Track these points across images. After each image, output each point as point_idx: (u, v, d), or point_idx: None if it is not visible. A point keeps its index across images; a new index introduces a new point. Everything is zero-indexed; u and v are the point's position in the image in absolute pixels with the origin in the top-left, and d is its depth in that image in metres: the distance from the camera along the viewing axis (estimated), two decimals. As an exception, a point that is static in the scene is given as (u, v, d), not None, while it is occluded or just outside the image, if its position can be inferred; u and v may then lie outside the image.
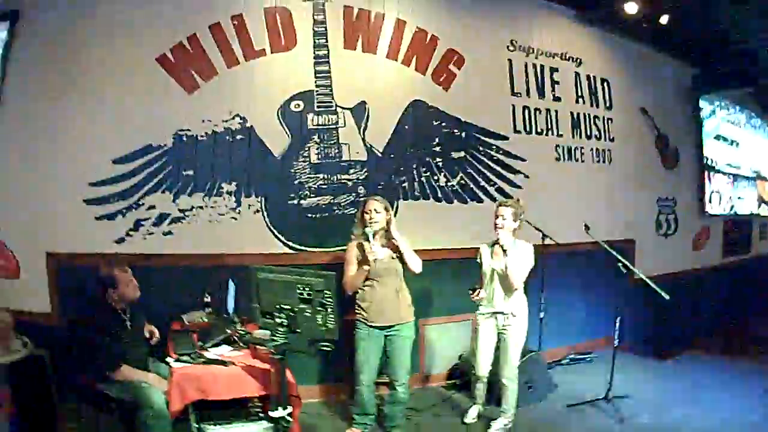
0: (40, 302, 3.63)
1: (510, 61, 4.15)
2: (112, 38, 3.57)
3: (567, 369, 4.32)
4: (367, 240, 2.89)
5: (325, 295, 2.19)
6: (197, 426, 2.67)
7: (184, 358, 2.75)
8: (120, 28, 3.55)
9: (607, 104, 4.51)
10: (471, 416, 3.34)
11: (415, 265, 2.98)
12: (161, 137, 3.61)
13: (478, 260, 3.23)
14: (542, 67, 4.25)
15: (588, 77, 4.41)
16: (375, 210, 2.94)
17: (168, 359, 2.79)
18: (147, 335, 3.14)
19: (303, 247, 3.70)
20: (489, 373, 3.29)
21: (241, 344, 2.89)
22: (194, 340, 3.00)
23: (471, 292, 3.12)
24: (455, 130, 3.93)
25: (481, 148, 3.99)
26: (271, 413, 2.33)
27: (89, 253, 3.56)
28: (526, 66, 4.19)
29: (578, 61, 4.39)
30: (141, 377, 2.81)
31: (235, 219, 3.64)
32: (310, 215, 3.71)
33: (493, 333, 3.18)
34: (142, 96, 3.59)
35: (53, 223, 3.61)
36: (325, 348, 2.29)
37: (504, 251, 3.01)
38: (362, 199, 3.58)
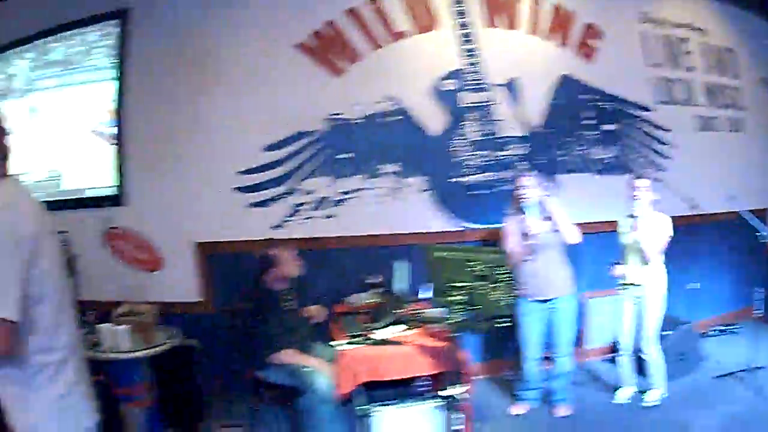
0: (189, 292, 3.56)
1: (643, 33, 4.10)
2: (247, 29, 3.56)
3: (714, 340, 4.21)
4: (523, 214, 2.88)
5: (501, 271, 2.16)
6: (364, 408, 2.57)
7: (355, 339, 2.67)
8: (254, 18, 3.54)
9: (735, 74, 4.46)
10: (621, 396, 3.23)
11: (572, 235, 2.93)
12: (312, 122, 3.57)
13: (619, 231, 3.18)
14: (672, 37, 4.20)
15: (714, 47, 4.37)
16: (526, 186, 2.92)
17: (334, 342, 2.71)
18: (308, 316, 3.06)
19: (468, 225, 3.61)
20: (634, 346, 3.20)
21: (411, 323, 2.81)
22: (362, 321, 2.94)
23: (611, 266, 3.08)
24: (603, 103, 3.86)
25: (628, 121, 3.92)
26: (443, 391, 2.27)
27: (240, 240, 3.48)
28: (658, 37, 4.14)
29: (704, 31, 4.34)
30: (303, 361, 2.70)
31: (399, 199, 3.56)
32: (472, 192, 3.62)
33: (634, 305, 3.12)
34: (287, 83, 3.56)
35: (201, 213, 3.57)
36: (501, 323, 2.23)
37: (642, 223, 2.97)
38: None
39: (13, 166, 1.43)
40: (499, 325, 2.24)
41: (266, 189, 3.54)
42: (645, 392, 3.18)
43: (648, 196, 3.00)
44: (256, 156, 3.55)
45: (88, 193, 3.73)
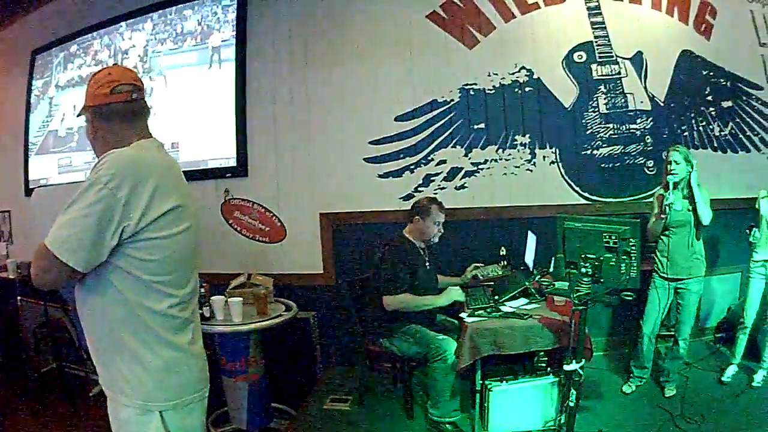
0: (311, 264, 3.47)
1: (752, 11, 4.02)
2: (375, 1, 3.42)
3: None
4: (666, 189, 2.78)
5: (631, 243, 2.04)
6: (482, 383, 2.50)
7: (479, 312, 2.57)
8: None
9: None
10: (727, 375, 3.14)
11: (704, 216, 2.83)
12: (446, 92, 3.44)
13: (757, 207, 3.09)
14: (778, 18, 4.14)
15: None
16: (675, 161, 2.81)
17: (461, 314, 2.60)
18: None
19: (598, 198, 3.51)
20: (753, 324, 3.11)
21: (538, 297, 2.72)
22: (489, 293, 2.84)
23: (748, 231, 3.00)
24: (722, 80, 3.78)
25: (744, 98, 3.85)
26: (565, 366, 2.15)
27: (370, 211, 3.37)
28: (764, 17, 4.08)
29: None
30: (419, 302, 2.64)
31: (531, 171, 3.44)
32: (602, 165, 3.52)
33: (763, 281, 3.02)
34: (420, 53, 3.45)
35: (328, 183, 3.45)
36: (627, 297, 2.13)
37: None
38: (650, 148, 3.47)
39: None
40: (626, 299, 2.16)
41: (397, 159, 3.41)
42: (755, 372, 3.09)
43: None
44: (388, 126, 3.42)
45: (210, 165, 3.57)
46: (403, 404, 2.83)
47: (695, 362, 3.40)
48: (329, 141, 3.43)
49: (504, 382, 2.55)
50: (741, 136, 3.79)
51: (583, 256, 2.14)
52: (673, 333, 3.02)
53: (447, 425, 2.58)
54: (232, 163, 3.52)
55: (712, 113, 3.72)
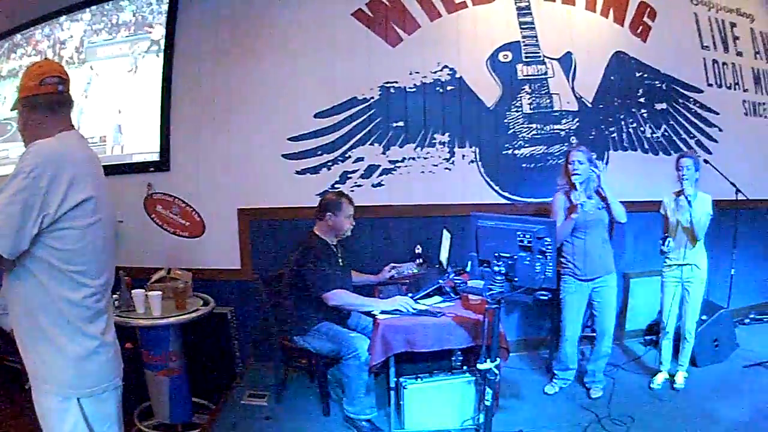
0: (229, 259, 3.40)
1: (695, 14, 3.88)
2: None
3: (748, 328, 4.01)
4: (575, 189, 2.67)
5: (546, 242, 1.97)
6: (395, 380, 2.43)
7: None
8: None
9: (781, 61, 4.27)
10: (657, 382, 3.02)
11: (621, 214, 2.75)
12: (366, 90, 3.37)
13: (662, 212, 2.99)
14: (723, 21, 3.98)
15: (761, 33, 4.16)
16: (578, 161, 2.71)
17: (374, 311, 2.52)
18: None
19: (517, 198, 3.40)
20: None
21: (452, 295, 2.64)
22: (403, 291, 2.76)
23: (662, 241, 2.87)
24: (656, 82, 3.64)
25: (680, 101, 3.70)
26: (478, 365, 2.07)
27: (286, 207, 3.31)
28: (709, 20, 3.92)
29: (751, 17, 4.13)
30: (360, 302, 2.55)
31: (449, 170, 3.35)
32: (524, 165, 3.41)
33: (677, 285, 2.95)
34: (342, 51, 3.37)
35: (246, 179, 3.40)
36: (542, 297, 2.04)
37: (688, 202, 2.79)
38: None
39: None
40: (541, 298, 2.06)
41: (315, 156, 3.35)
42: (674, 375, 3.02)
43: (694, 175, 2.82)
44: (307, 123, 3.36)
45: (135, 159, 3.53)
46: (319, 401, 2.78)
47: (623, 364, 3.30)
48: (249, 137, 3.37)
49: (419, 379, 2.49)
50: (675, 138, 3.65)
51: (496, 254, 2.08)
52: (594, 334, 2.92)
53: (363, 422, 2.52)
54: (156, 157, 3.48)
55: (644, 115, 3.59)
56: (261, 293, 2.91)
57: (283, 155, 3.36)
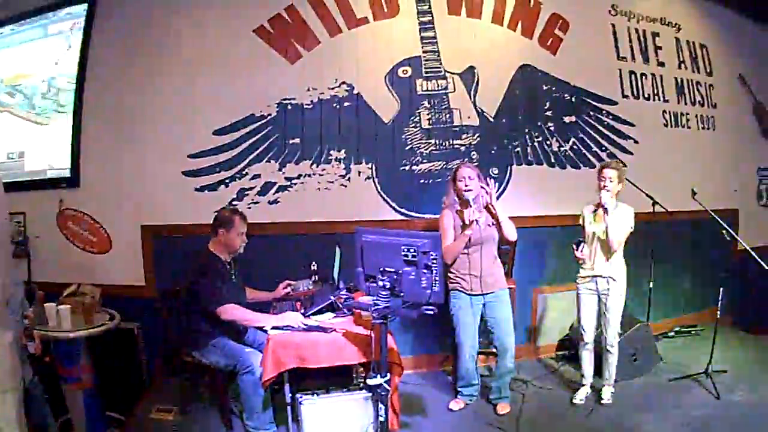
0: (134, 275, 3.33)
1: (613, 25, 3.71)
2: (206, 11, 3.27)
3: (673, 341, 3.85)
4: (468, 206, 2.53)
5: (431, 257, 1.89)
6: (292, 395, 2.37)
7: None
8: (214, 2, 3.26)
9: (708, 70, 4.04)
10: (579, 397, 2.89)
11: (512, 233, 2.63)
12: (264, 107, 3.28)
13: (581, 223, 2.86)
14: (644, 31, 3.79)
15: (688, 43, 3.95)
16: (468, 177, 2.58)
17: (266, 328, 2.44)
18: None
19: (415, 214, 3.27)
20: (594, 340, 2.91)
21: (344, 311, 2.54)
22: (297, 307, 2.69)
23: (575, 247, 2.73)
24: (565, 95, 3.49)
25: (591, 113, 3.54)
26: (368, 381, 1.99)
27: (187, 224, 3.23)
28: (628, 30, 3.74)
29: (677, 26, 3.93)
30: (252, 317, 2.47)
31: (345, 186, 3.24)
32: (422, 181, 3.28)
33: (594, 298, 2.82)
34: (242, 68, 3.28)
35: (149, 196, 3.34)
36: (428, 311, 1.93)
37: (606, 212, 2.67)
38: (475, 164, 3.21)
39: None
40: (427, 313, 1.95)
41: (213, 173, 3.27)
42: (601, 389, 2.90)
43: (617, 186, 2.70)
44: (206, 140, 3.28)
45: (49, 174, 3.51)
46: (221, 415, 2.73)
47: (534, 379, 3.19)
48: (152, 153, 3.31)
49: (315, 395, 2.40)
50: (585, 151, 3.48)
51: (381, 269, 2.00)
52: (495, 349, 2.81)
53: None
54: (68, 173, 3.46)
55: (551, 128, 3.44)
56: (163, 309, 2.87)
57: (183, 172, 3.30)
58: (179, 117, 3.30)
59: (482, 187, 2.62)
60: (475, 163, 3.24)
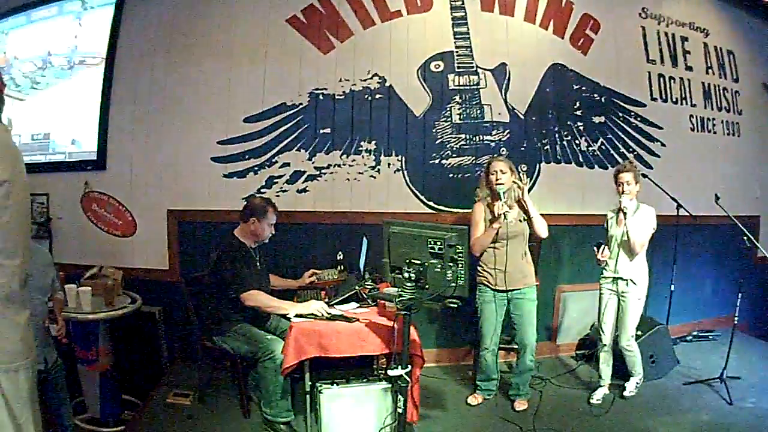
0: (158, 259, 3.31)
1: (643, 28, 3.69)
2: (241, 1, 3.25)
3: (691, 345, 3.82)
4: (498, 199, 2.52)
5: (458, 250, 1.88)
6: (311, 384, 2.34)
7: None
8: None
9: (734, 77, 4.02)
10: (597, 397, 2.87)
11: (543, 229, 2.62)
12: (296, 96, 3.25)
13: (605, 226, 2.85)
14: (673, 35, 3.77)
15: (715, 48, 3.94)
16: (501, 171, 2.57)
17: (289, 315, 2.41)
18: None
19: (443, 207, 3.25)
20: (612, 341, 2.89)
21: (369, 301, 2.52)
22: (322, 296, 2.68)
23: (596, 249, 2.72)
24: (595, 95, 3.47)
25: (620, 114, 3.52)
26: (389, 371, 1.98)
27: (214, 209, 3.21)
28: (658, 34, 3.72)
29: (705, 31, 3.91)
30: (276, 304, 2.45)
31: (374, 177, 3.22)
32: (451, 175, 3.26)
33: (614, 298, 2.80)
34: (275, 57, 3.25)
35: (176, 181, 3.30)
36: (452, 305, 1.93)
37: (625, 216, 2.66)
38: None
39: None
40: (450, 306, 1.95)
41: (242, 160, 3.25)
42: (624, 384, 2.91)
43: (635, 188, 2.68)
44: (237, 127, 3.26)
45: (74, 157, 3.48)
46: (239, 402, 2.70)
47: (553, 377, 3.17)
48: (181, 139, 3.28)
49: (335, 385, 2.37)
50: (613, 152, 3.46)
51: (407, 261, 1.98)
52: (516, 345, 2.80)
53: (280, 425, 2.45)
54: (94, 156, 3.43)
55: (580, 128, 3.41)
56: (186, 294, 2.83)
57: (212, 158, 3.27)
58: (210, 103, 3.28)
59: (514, 182, 2.60)
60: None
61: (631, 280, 2.73)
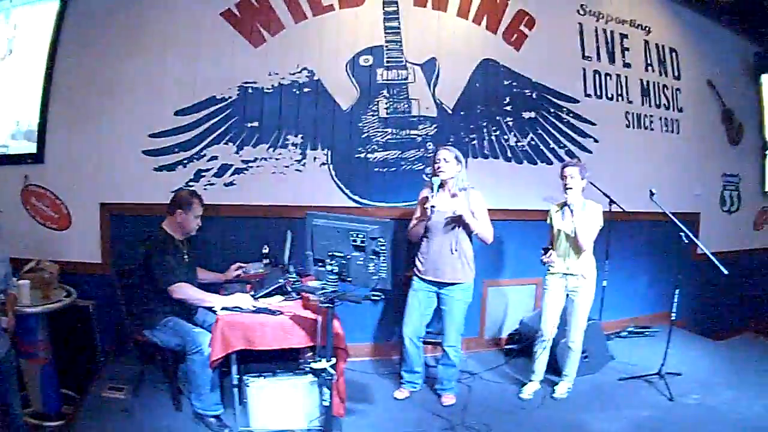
0: (91, 253, 3.29)
1: (580, 24, 3.67)
2: None
3: (626, 341, 3.81)
4: (431, 189, 2.49)
5: (379, 243, 1.87)
6: (238, 377, 2.35)
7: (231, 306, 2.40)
8: None
9: (675, 74, 3.99)
10: (528, 392, 2.87)
11: (488, 237, 2.62)
12: (226, 89, 3.24)
13: (549, 222, 2.83)
14: (612, 32, 3.75)
15: (656, 46, 3.90)
16: (444, 159, 2.53)
17: (215, 308, 2.42)
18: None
19: (368, 201, 3.24)
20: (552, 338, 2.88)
21: (293, 295, 2.53)
22: (248, 290, 2.68)
23: (543, 252, 2.71)
24: (526, 91, 3.45)
25: (552, 110, 3.50)
26: (313, 364, 2.00)
27: (145, 203, 3.20)
28: (596, 30, 3.70)
29: (647, 29, 3.88)
30: (203, 297, 2.45)
31: (300, 171, 3.22)
32: (377, 169, 3.25)
33: (562, 295, 2.78)
34: (208, 50, 3.23)
35: (110, 174, 3.28)
36: (374, 298, 1.93)
37: (571, 212, 2.64)
38: (430, 155, 3.19)
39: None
40: (373, 299, 1.96)
41: (172, 153, 3.25)
42: (554, 385, 2.89)
43: (580, 183, 2.66)
44: (168, 120, 3.25)
45: (13, 150, 3.48)
46: (171, 395, 2.72)
47: (482, 372, 3.17)
48: (115, 132, 3.27)
49: (262, 377, 2.40)
50: (543, 147, 3.44)
51: (330, 254, 2.00)
52: (443, 341, 2.77)
53: (210, 418, 2.45)
54: (34, 149, 3.43)
55: (509, 123, 3.40)
56: (117, 287, 2.86)
57: (143, 151, 3.27)
58: (143, 96, 3.26)
59: (454, 195, 2.56)
60: (430, 154, 3.21)
61: (581, 275, 2.72)
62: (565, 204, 2.70)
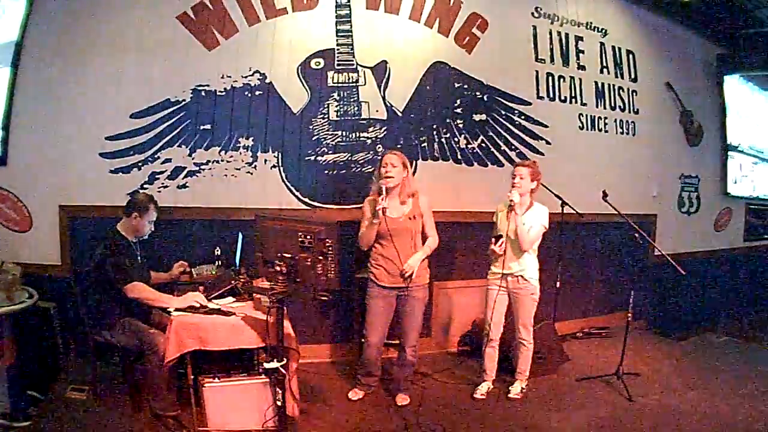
0: (51, 255, 3.29)
1: (534, 27, 3.65)
2: None
3: (582, 342, 3.80)
4: (380, 194, 2.47)
5: (327, 244, 1.87)
6: (194, 378, 2.34)
7: (184, 307, 2.40)
8: None
9: (632, 76, 3.96)
10: (481, 392, 2.86)
11: (434, 246, 2.64)
12: (180, 92, 3.24)
13: (494, 220, 2.82)
14: (567, 35, 3.73)
15: (613, 48, 3.87)
16: (392, 164, 2.52)
17: (169, 309, 2.42)
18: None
19: (319, 204, 3.25)
20: (500, 338, 2.87)
21: (245, 296, 2.54)
22: (200, 291, 2.64)
23: (494, 240, 2.69)
24: (477, 93, 3.44)
25: (503, 112, 3.49)
26: (265, 365, 2.01)
27: (102, 205, 3.21)
28: (550, 33, 3.68)
29: (603, 31, 3.86)
30: (157, 297, 2.46)
31: (251, 174, 3.22)
32: (327, 172, 3.25)
33: (504, 295, 2.77)
34: (163, 53, 3.22)
35: (68, 176, 3.28)
36: (322, 297, 1.94)
37: (514, 212, 2.63)
38: (379, 157, 3.17)
39: None
40: (321, 299, 1.97)
41: (128, 156, 3.25)
42: (510, 384, 2.88)
43: (528, 185, 2.65)
44: (124, 122, 3.26)
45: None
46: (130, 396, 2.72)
47: (435, 373, 3.16)
48: (74, 135, 3.27)
49: (217, 378, 2.39)
50: (493, 149, 3.43)
51: (279, 254, 2.01)
52: (399, 341, 2.77)
53: (168, 418, 2.45)
54: (-1, 151, 3.44)
55: (460, 125, 3.39)
56: (76, 288, 2.84)
57: (100, 154, 3.28)
58: (101, 99, 3.25)
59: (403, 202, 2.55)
60: (380, 156, 3.18)
61: (521, 276, 2.71)
62: (511, 203, 2.67)
